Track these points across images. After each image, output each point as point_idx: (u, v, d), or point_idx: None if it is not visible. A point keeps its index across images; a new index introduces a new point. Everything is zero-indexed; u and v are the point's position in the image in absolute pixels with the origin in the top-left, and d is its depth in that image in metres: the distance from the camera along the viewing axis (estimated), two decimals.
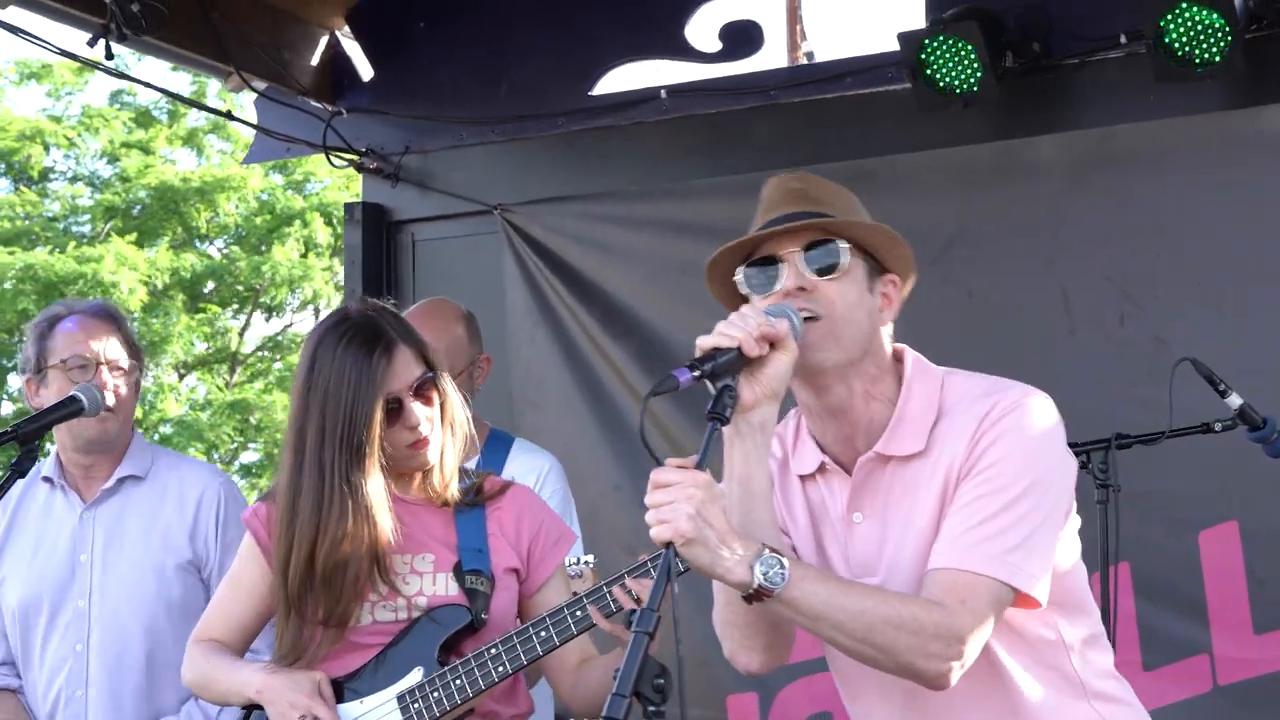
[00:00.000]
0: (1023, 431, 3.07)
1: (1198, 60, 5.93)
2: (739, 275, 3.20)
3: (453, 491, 4.09)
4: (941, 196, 6.57)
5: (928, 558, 3.08)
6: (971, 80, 6.28)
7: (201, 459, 6.00)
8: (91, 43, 6.40)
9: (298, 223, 25.16)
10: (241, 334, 26.35)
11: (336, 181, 25.61)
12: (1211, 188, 6.14)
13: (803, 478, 3.28)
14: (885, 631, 2.95)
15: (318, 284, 25.58)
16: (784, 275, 3.14)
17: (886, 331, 3.24)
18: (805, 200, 3.19)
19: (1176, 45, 5.93)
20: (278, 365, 26.73)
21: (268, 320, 26.55)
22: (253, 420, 24.41)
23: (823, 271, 3.13)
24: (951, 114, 6.42)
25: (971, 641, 2.99)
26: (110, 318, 5.02)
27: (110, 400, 4.88)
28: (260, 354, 27.01)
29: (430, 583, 4.02)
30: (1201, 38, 5.88)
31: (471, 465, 4.99)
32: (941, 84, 6.33)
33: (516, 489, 4.20)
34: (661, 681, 2.67)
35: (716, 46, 7.18)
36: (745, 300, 3.21)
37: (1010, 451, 3.05)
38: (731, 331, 2.97)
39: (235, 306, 25.99)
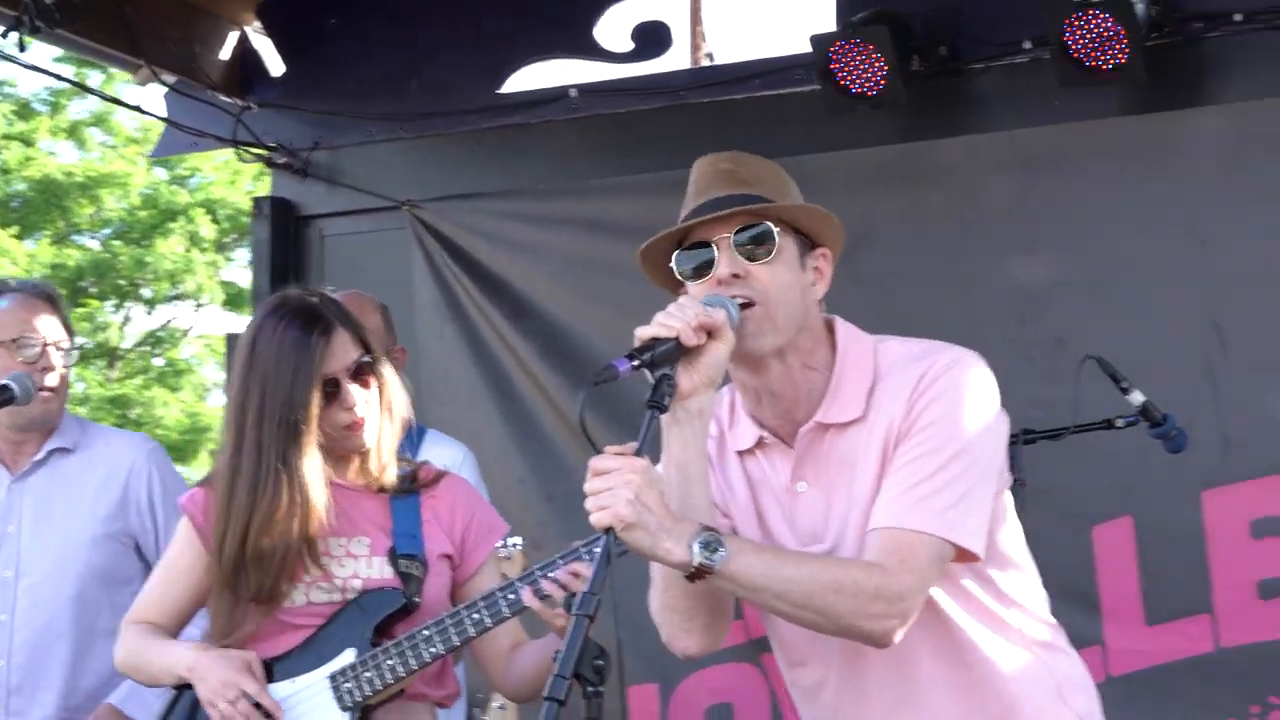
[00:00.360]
0: (957, 392, 3.17)
1: (1100, 66, 6.08)
2: (674, 261, 3.28)
3: (389, 477, 4.16)
4: (848, 198, 6.60)
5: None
6: (880, 83, 6.40)
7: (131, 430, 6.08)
8: (4, 34, 6.39)
9: (182, 218, 24.98)
10: (122, 328, 26.13)
11: (222, 177, 25.49)
12: (1112, 191, 6.30)
13: (741, 453, 3.36)
14: (825, 596, 3.05)
15: (201, 279, 25.44)
16: (718, 260, 3.21)
17: (819, 304, 3.33)
18: (735, 181, 3.28)
19: (1080, 52, 6.07)
20: (158, 361, 26.53)
21: (149, 314, 26.36)
22: (132, 415, 24.20)
23: (755, 256, 3.20)
24: (859, 116, 6.55)
25: (912, 599, 3.10)
26: (49, 297, 5.05)
27: (54, 381, 4.92)
28: (141, 349, 26.78)
29: (365, 566, 4.09)
30: (1104, 44, 6.02)
31: None
32: (850, 86, 6.45)
33: (451, 478, 4.28)
34: (601, 663, 2.76)
35: (626, 46, 7.27)
36: (680, 283, 3.29)
37: (946, 412, 3.15)
38: (669, 322, 3.05)
39: (116, 301, 25.77)
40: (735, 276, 3.19)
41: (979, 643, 3.28)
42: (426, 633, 4.02)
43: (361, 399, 4.07)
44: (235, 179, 25.49)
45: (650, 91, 7.21)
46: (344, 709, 4.05)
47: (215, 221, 25.49)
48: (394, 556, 4.09)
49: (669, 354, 3.02)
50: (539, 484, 7.07)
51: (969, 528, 3.14)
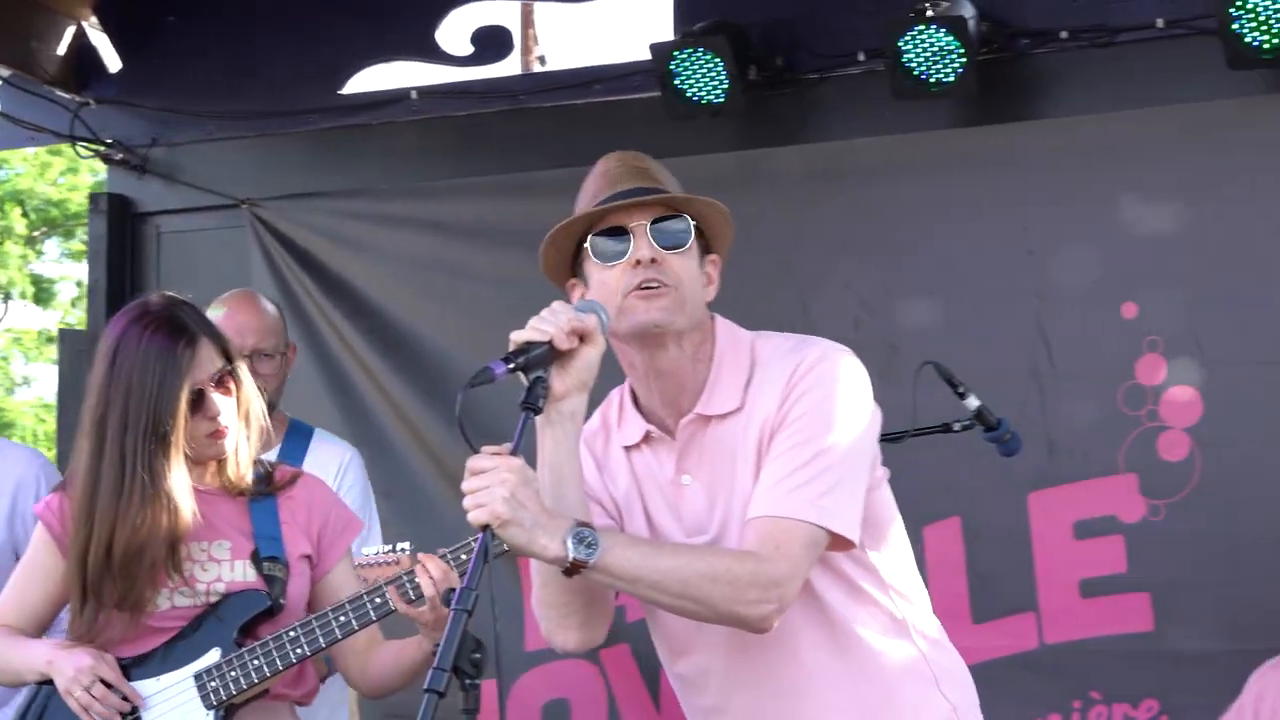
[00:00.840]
0: (830, 384, 3.33)
1: (933, 80, 6.27)
2: (589, 241, 3.40)
3: (247, 481, 4.21)
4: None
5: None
6: (719, 91, 6.54)
7: (21, 443, 6.03)
8: None
9: None
10: None
11: (30, 170, 25.08)
12: (943, 201, 6.48)
13: (627, 449, 3.47)
14: (701, 585, 3.17)
15: (11, 272, 25.01)
16: (635, 245, 3.34)
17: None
18: (646, 177, 3.45)
19: (914, 65, 6.26)
20: None
21: None
22: None
23: (670, 245, 3.36)
24: (699, 123, 6.68)
25: (788, 585, 3.22)
26: None
27: None
28: None
29: (229, 569, 4.15)
30: (937, 59, 6.22)
31: (272, 456, 5.13)
32: (690, 94, 6.58)
33: (307, 478, 4.35)
34: (478, 656, 2.86)
35: (467, 50, 7.34)
36: (573, 271, 3.46)
37: (818, 403, 3.30)
38: (544, 326, 3.16)
39: None
40: (654, 261, 3.33)
41: (859, 630, 3.41)
42: (293, 634, 4.09)
43: (225, 407, 4.12)
44: (44, 172, 25.10)
45: (491, 95, 7.30)
46: (208, 708, 4.10)
47: (25, 215, 25.06)
48: (257, 559, 4.16)
49: (542, 357, 3.13)
50: (378, 482, 7.02)
51: (843, 515, 3.27)
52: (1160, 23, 6.23)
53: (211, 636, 4.11)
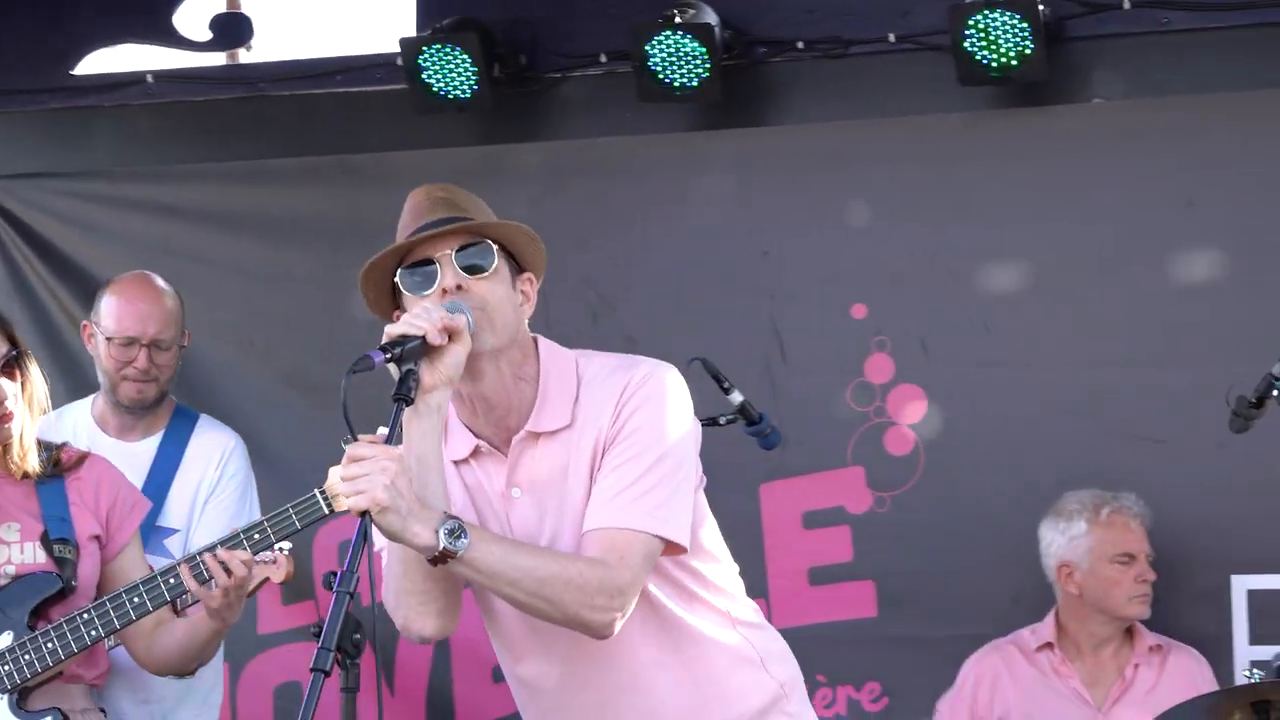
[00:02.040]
0: (660, 400, 3.52)
1: (677, 84, 6.46)
2: (398, 277, 3.52)
3: (31, 464, 4.19)
4: None
5: (582, 522, 3.47)
6: (466, 87, 6.64)
7: None
8: None
9: None
10: None
11: None
12: (682, 200, 6.69)
13: (457, 463, 3.59)
14: (555, 586, 3.34)
15: None
16: (441, 273, 3.47)
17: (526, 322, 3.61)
18: (451, 207, 3.57)
19: (659, 69, 6.44)
20: None
21: None
22: None
23: (473, 270, 3.49)
24: (444, 118, 6.78)
25: (631, 592, 3.42)
26: None
27: None
28: None
29: (18, 551, 4.14)
30: (683, 63, 6.41)
31: (155, 440, 5.08)
32: (437, 89, 6.67)
33: (94, 459, 4.35)
34: (359, 637, 2.98)
35: (205, 35, 7.29)
36: (395, 304, 3.55)
37: (650, 418, 3.48)
38: (418, 322, 3.32)
39: None
40: (459, 288, 3.45)
41: (689, 626, 3.60)
42: (86, 616, 4.10)
43: (11, 393, 4.11)
44: None
45: (230, 81, 7.28)
46: (2, 692, 4.07)
47: None
48: (46, 541, 4.15)
49: (415, 351, 3.30)
50: None
51: (676, 523, 3.48)
52: (892, 37, 6.50)
53: (2, 620, 4.09)
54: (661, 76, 6.46)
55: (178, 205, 7.12)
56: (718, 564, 3.71)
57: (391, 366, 3.30)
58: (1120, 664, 5.99)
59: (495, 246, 3.53)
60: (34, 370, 4.21)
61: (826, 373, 6.49)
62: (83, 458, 4.32)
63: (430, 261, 3.49)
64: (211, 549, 4.22)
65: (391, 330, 3.33)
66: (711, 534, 3.70)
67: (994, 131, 6.50)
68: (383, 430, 3.28)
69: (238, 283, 7.07)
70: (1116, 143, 6.37)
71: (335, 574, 3.06)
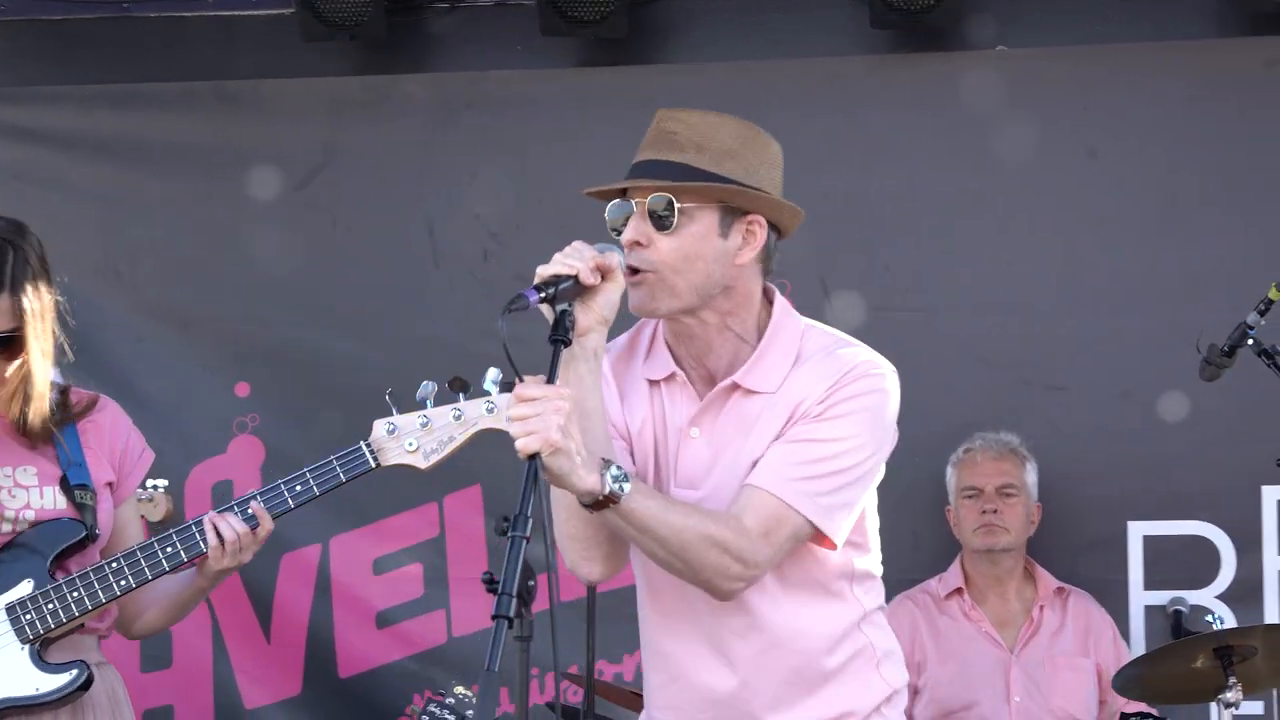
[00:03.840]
0: (873, 397, 3.41)
1: (581, 18, 6.31)
2: (607, 210, 3.50)
3: (45, 406, 3.98)
4: (309, 124, 6.69)
5: None
6: (361, 16, 6.41)
7: None
8: None
9: None
10: None
11: None
12: (577, 137, 6.54)
13: (651, 382, 3.49)
14: (699, 548, 3.26)
15: None
16: (632, 220, 3.40)
17: (754, 267, 3.45)
18: (670, 146, 3.45)
19: (562, 2, 6.29)
20: None
21: None
22: None
23: (660, 226, 3.36)
24: (327, 46, 6.55)
25: (764, 569, 3.36)
26: None
27: None
28: None
29: (37, 496, 3.95)
30: None
31: None
32: (325, 13, 6.42)
33: (105, 402, 4.17)
34: (532, 583, 2.84)
35: None
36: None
37: (857, 411, 3.37)
38: (570, 261, 3.24)
39: None
40: (637, 244, 3.36)
41: (821, 610, 3.49)
42: (115, 565, 3.90)
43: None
44: None
45: (93, 1, 6.92)
46: (24, 642, 3.87)
47: None
48: (66, 486, 3.93)
49: (568, 291, 3.21)
50: None
51: (837, 520, 3.40)
52: None
53: (23, 567, 3.90)
54: (564, 10, 6.31)
55: (37, 129, 6.80)
56: (870, 556, 3.60)
57: (545, 308, 3.20)
58: (1026, 606, 6.07)
59: (684, 202, 3.36)
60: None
61: None
62: (94, 400, 4.10)
63: (626, 200, 3.43)
64: (245, 501, 4.04)
65: (543, 271, 3.24)
66: (873, 523, 3.60)
67: (899, 76, 6.47)
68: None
69: (101, 211, 6.76)
70: (1020, 91, 6.40)
71: (508, 519, 2.93)
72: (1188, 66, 6.37)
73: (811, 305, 6.21)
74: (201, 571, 4.06)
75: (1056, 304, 6.32)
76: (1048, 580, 6.09)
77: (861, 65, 6.50)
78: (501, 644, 2.85)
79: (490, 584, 2.94)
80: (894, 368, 3.50)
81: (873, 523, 3.58)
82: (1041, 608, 6.04)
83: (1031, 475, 6.08)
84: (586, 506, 3.20)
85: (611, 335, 3.51)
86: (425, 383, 3.95)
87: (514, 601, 2.85)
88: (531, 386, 3.08)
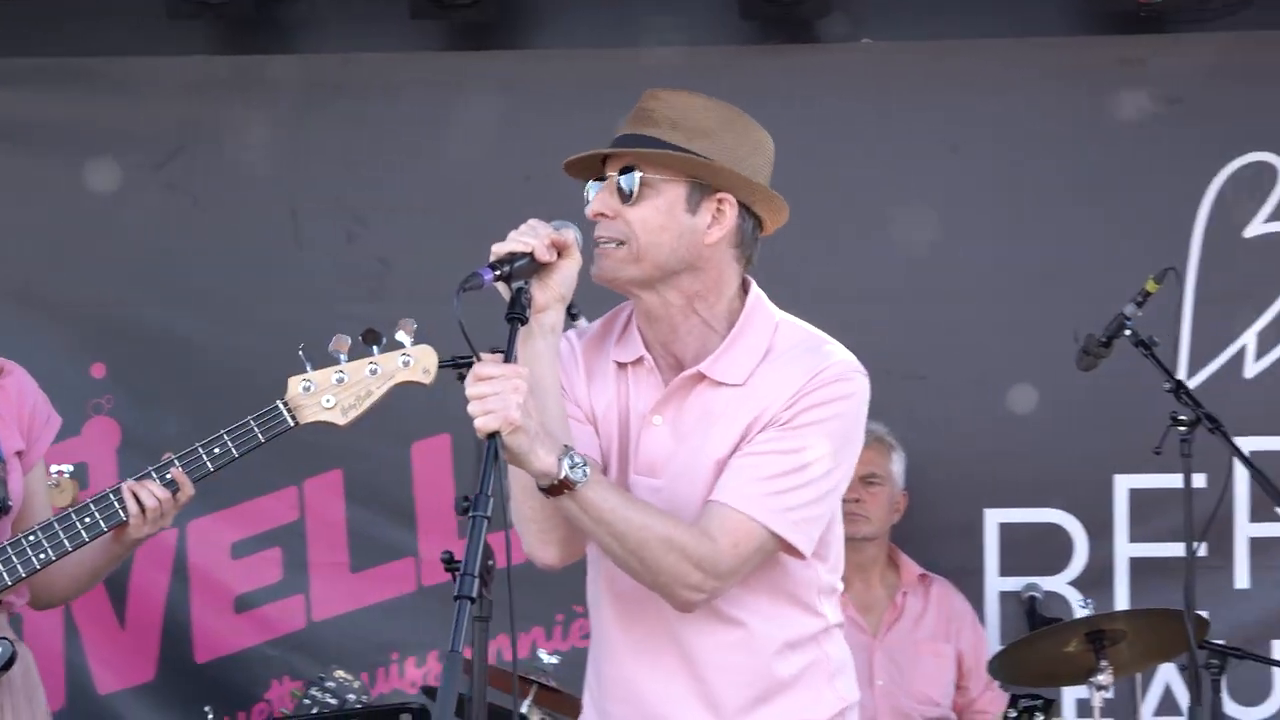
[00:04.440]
0: (845, 405, 3.34)
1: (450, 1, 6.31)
2: (586, 187, 3.43)
3: None
4: (172, 103, 6.61)
5: (710, 479, 3.31)
6: None
7: None
8: None
9: None
10: None
11: None
12: (442, 121, 6.55)
13: (619, 365, 3.43)
14: (656, 550, 3.20)
15: None
16: (599, 194, 3.37)
17: (726, 251, 3.39)
18: (647, 121, 3.39)
19: None
20: None
21: None
22: None
23: (625, 198, 3.32)
24: (193, 24, 6.48)
25: (728, 581, 3.29)
26: None
27: None
28: None
29: None
30: None
31: None
32: None
33: (12, 366, 4.06)
34: (491, 562, 2.83)
35: None
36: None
37: (828, 419, 3.31)
38: (525, 238, 3.21)
39: None
40: (603, 215, 3.34)
41: (785, 618, 3.42)
42: (33, 538, 3.82)
43: None
44: None
45: None
46: None
47: None
48: None
49: (525, 269, 3.17)
50: None
51: (806, 532, 3.33)
52: None
53: None
54: None
55: None
56: (832, 567, 3.51)
57: (501, 286, 3.16)
58: (890, 592, 6.13)
59: (652, 174, 3.32)
60: None
61: (585, 304, 6.41)
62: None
63: (601, 177, 3.39)
64: (164, 467, 3.98)
65: (498, 249, 3.20)
66: (838, 534, 3.52)
67: (765, 67, 6.51)
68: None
69: None
70: (884, 84, 6.48)
71: (469, 498, 2.89)
72: (1047, 63, 6.50)
73: None
74: (119, 540, 4.01)
75: (917, 294, 6.40)
76: (911, 567, 6.16)
77: (728, 55, 6.54)
78: (464, 625, 2.81)
79: (450, 564, 2.91)
80: (862, 367, 3.42)
81: (838, 534, 3.51)
82: (905, 594, 6.11)
83: (898, 464, 6.15)
84: (543, 490, 3.15)
85: (591, 317, 3.57)
86: (337, 336, 3.92)
87: (476, 582, 2.83)
88: (489, 365, 3.05)
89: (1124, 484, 6.37)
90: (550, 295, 3.23)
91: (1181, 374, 6.28)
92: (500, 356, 3.07)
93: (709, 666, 3.40)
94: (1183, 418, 5.38)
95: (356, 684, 4.68)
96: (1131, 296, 5.60)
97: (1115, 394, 6.11)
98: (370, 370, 3.93)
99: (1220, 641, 5.70)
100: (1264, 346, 6.36)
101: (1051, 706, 5.59)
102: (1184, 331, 6.21)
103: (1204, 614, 5.61)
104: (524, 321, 3.15)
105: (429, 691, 5.96)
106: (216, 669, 6.48)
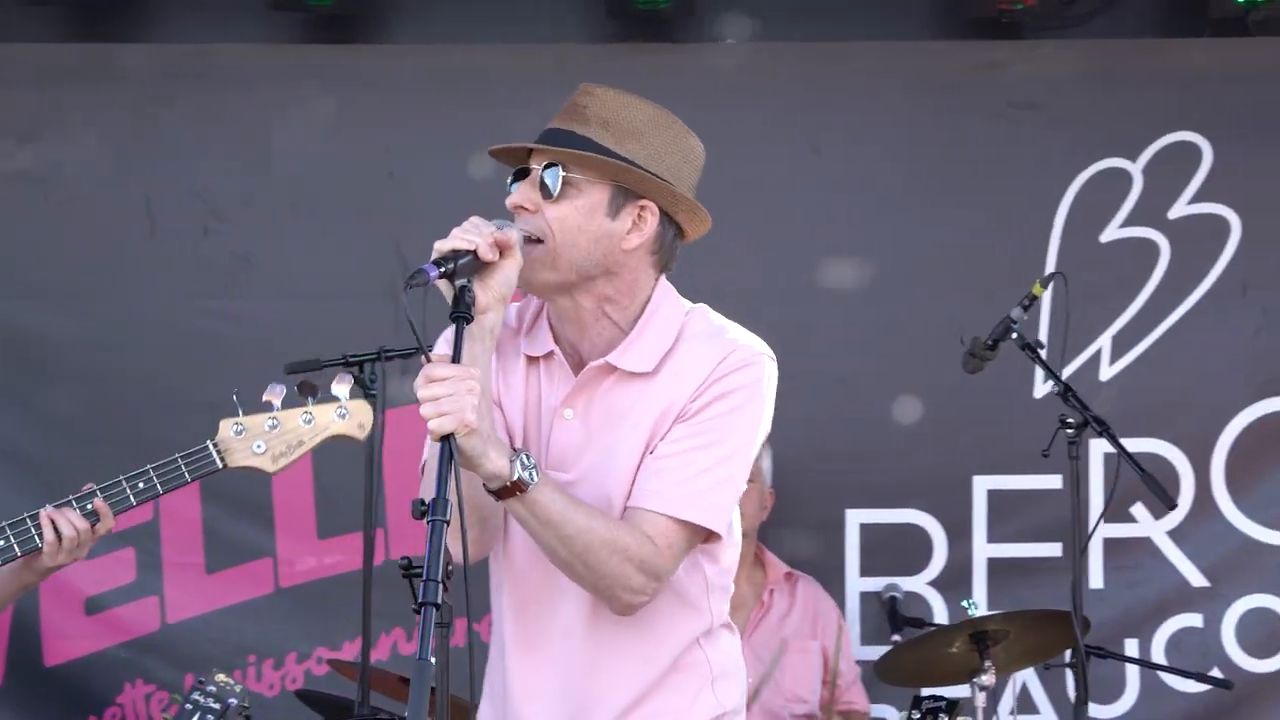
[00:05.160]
0: (751, 391, 3.30)
1: None
2: (509, 180, 3.32)
3: None
4: (22, 92, 6.46)
5: (624, 473, 3.27)
6: None
7: None
8: None
9: None
10: None
11: None
12: (303, 115, 6.46)
13: (529, 359, 3.35)
14: (600, 553, 3.15)
15: None
16: (520, 188, 3.27)
17: (644, 257, 3.32)
18: (579, 119, 3.31)
19: None
20: None
21: None
22: None
23: (546, 194, 3.24)
24: (44, 10, 6.35)
25: (665, 581, 3.25)
26: None
27: None
28: None
29: None
30: None
31: None
32: None
33: None
34: (451, 567, 2.77)
35: None
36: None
37: (736, 408, 3.27)
38: (469, 236, 3.11)
39: None
40: (522, 209, 3.25)
41: (668, 622, 3.37)
42: None
43: None
44: None
45: None
46: None
47: None
48: None
49: (468, 267, 3.09)
50: None
51: (723, 517, 3.31)
52: None
53: None
54: None
55: None
56: (718, 566, 3.46)
57: (442, 284, 3.07)
58: (757, 590, 6.13)
59: (574, 173, 3.24)
60: None
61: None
62: None
63: (528, 171, 3.29)
64: (85, 498, 3.91)
65: (441, 245, 3.10)
66: (733, 537, 3.46)
67: (627, 65, 6.50)
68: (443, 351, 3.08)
69: None
70: (747, 85, 6.49)
71: (425, 503, 2.84)
72: (909, 67, 6.56)
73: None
74: (30, 567, 3.92)
75: (779, 295, 6.39)
76: (777, 565, 6.18)
77: (593, 53, 6.54)
78: (432, 632, 2.75)
79: (409, 569, 2.85)
80: (770, 353, 3.40)
81: (735, 537, 3.47)
82: (771, 592, 6.13)
83: (765, 461, 6.14)
84: (491, 492, 3.09)
85: None
86: (272, 385, 3.87)
87: (439, 587, 2.77)
88: (440, 366, 2.98)
89: (983, 485, 6.44)
90: (491, 296, 3.13)
91: (1038, 376, 6.41)
92: (448, 356, 3.00)
93: (593, 665, 3.35)
94: (1070, 420, 5.45)
95: (239, 688, 4.60)
96: (1019, 300, 5.64)
97: (975, 396, 6.17)
98: (304, 420, 3.88)
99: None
100: (1119, 350, 6.46)
101: (956, 707, 5.63)
102: (1042, 334, 6.28)
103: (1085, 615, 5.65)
104: (469, 320, 3.08)
105: (304, 696, 5.87)
106: (66, 673, 6.33)
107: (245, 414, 3.89)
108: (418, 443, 6.19)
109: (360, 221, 6.40)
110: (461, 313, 3.07)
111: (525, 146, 3.33)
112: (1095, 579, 6.44)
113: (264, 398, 3.87)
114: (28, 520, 3.88)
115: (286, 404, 3.86)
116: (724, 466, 3.29)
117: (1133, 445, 5.76)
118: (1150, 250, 6.50)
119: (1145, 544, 6.43)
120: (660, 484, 3.26)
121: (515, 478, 3.07)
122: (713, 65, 6.51)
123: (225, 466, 3.91)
